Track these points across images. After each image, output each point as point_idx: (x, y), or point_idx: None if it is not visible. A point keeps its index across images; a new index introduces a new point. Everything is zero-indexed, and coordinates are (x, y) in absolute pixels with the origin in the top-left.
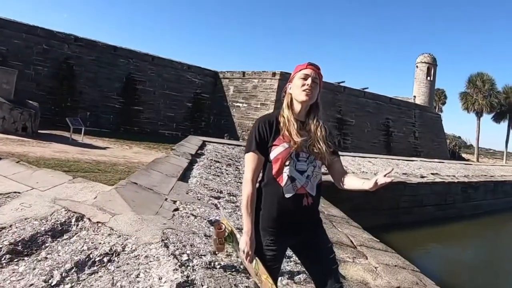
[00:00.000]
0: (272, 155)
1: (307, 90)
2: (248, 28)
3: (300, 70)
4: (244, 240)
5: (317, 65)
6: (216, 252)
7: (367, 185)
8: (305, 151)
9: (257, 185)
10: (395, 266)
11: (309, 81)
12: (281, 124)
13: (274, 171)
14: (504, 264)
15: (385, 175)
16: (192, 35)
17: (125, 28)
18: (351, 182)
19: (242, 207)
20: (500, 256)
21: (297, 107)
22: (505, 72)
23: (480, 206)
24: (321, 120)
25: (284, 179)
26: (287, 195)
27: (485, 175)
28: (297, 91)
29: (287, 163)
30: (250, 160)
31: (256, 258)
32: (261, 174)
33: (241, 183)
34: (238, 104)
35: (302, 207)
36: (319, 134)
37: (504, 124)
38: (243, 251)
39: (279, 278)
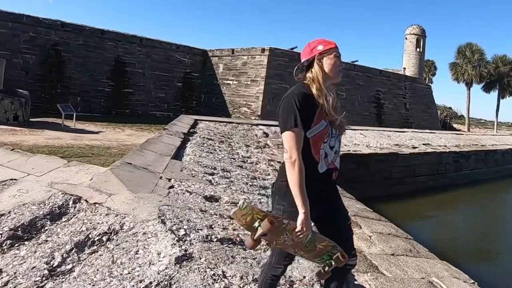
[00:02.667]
0: (312, 132)
1: (341, 73)
2: (235, 4)
3: (335, 48)
4: (302, 221)
5: None
6: (246, 248)
7: None
8: (334, 127)
9: None
10: (389, 234)
11: (342, 63)
12: (317, 99)
13: (312, 148)
14: (495, 231)
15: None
16: (179, 14)
17: (112, 10)
18: None
19: (295, 187)
20: (491, 223)
21: (326, 82)
22: (494, 42)
23: (471, 175)
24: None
25: (321, 155)
26: (321, 171)
27: (476, 145)
28: (333, 69)
29: (325, 140)
30: (294, 138)
31: (312, 231)
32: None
33: (234, 158)
34: (228, 81)
35: (332, 181)
36: (338, 108)
37: (494, 94)
38: (301, 231)
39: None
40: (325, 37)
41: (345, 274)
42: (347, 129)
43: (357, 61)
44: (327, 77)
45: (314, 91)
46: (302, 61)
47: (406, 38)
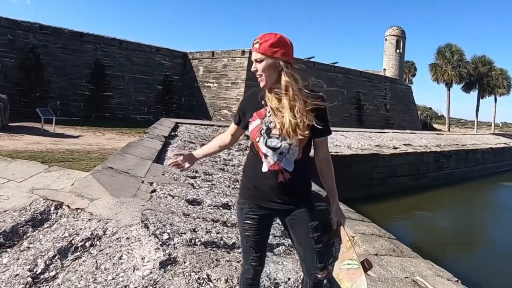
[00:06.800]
0: (249, 131)
1: (257, 77)
2: (215, 4)
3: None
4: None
5: (259, 39)
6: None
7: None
8: (279, 127)
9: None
10: (372, 234)
11: (252, 67)
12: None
13: (254, 145)
14: (476, 229)
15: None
16: (158, 16)
17: (91, 12)
18: (324, 181)
19: None
20: (472, 221)
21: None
22: (473, 43)
23: (452, 174)
24: (295, 89)
25: (261, 154)
26: (263, 170)
27: (457, 144)
28: None
29: (257, 139)
30: (229, 127)
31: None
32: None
33: (215, 161)
34: (208, 84)
35: (278, 183)
36: (285, 107)
37: (474, 94)
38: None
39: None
40: (304, 40)
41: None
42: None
43: (337, 62)
44: None
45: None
46: None
47: (386, 39)
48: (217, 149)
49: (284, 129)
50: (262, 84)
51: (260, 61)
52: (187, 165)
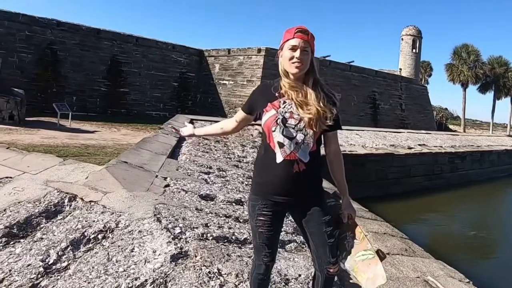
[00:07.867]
0: (262, 121)
1: (297, 63)
2: (232, 3)
3: (288, 40)
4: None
5: (306, 29)
6: None
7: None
8: (295, 118)
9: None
10: (384, 233)
11: (297, 53)
12: (282, 91)
13: (266, 137)
14: (489, 230)
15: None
16: (175, 14)
17: (108, 8)
18: (334, 174)
19: None
20: (486, 223)
21: (291, 76)
22: (490, 43)
23: (467, 175)
24: (320, 84)
25: (275, 144)
26: (278, 160)
27: (472, 145)
28: (287, 63)
29: (273, 129)
30: (237, 113)
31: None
32: (261, 141)
33: (229, 158)
34: (224, 81)
35: (293, 174)
36: (313, 99)
37: (490, 95)
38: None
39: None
40: (320, 38)
41: (329, 282)
42: (343, 129)
43: (353, 61)
44: (286, 71)
45: (281, 82)
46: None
47: (402, 39)
48: (219, 131)
49: (312, 120)
50: (297, 71)
51: (307, 50)
52: (182, 133)
